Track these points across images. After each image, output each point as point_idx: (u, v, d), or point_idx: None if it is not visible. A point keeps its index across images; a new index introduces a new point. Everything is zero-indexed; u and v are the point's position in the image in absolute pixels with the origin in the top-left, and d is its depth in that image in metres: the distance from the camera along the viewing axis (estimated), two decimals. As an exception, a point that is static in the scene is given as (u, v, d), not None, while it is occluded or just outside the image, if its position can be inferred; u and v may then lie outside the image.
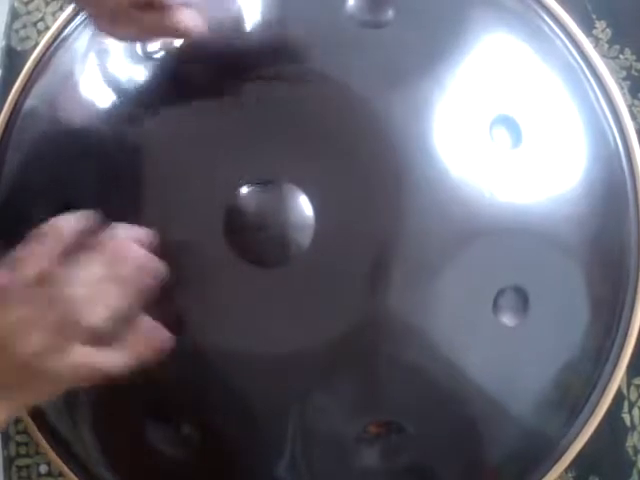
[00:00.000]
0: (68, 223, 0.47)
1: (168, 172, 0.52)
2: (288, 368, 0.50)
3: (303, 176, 0.51)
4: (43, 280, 0.45)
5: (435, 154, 0.51)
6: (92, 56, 0.58)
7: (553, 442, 0.55)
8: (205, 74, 0.54)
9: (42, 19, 0.73)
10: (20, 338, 0.44)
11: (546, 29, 0.59)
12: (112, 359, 0.46)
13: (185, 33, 0.51)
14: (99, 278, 0.46)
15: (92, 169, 0.54)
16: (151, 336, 0.47)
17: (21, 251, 0.46)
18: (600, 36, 0.69)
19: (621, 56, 0.69)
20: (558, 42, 0.59)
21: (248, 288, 0.51)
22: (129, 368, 0.46)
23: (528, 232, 0.53)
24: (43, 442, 0.59)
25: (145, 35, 0.53)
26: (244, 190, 0.51)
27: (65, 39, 0.62)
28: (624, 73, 0.69)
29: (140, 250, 0.47)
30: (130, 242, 0.47)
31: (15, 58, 0.71)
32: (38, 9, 0.73)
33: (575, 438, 0.55)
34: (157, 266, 0.48)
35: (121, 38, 0.54)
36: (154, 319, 0.48)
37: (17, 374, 0.45)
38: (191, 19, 0.50)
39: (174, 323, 0.50)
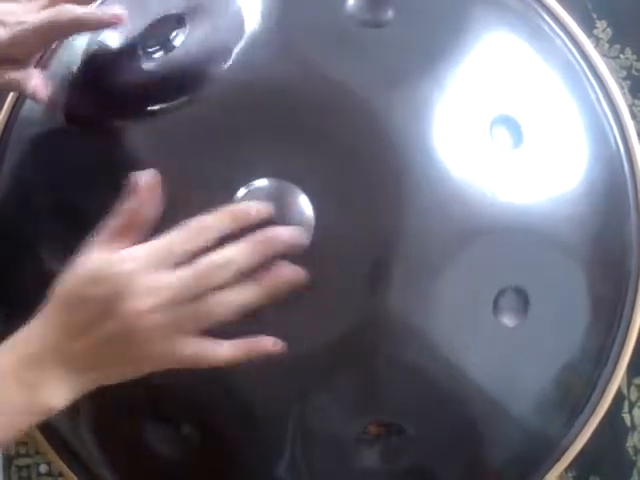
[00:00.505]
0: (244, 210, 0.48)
1: (168, 172, 0.52)
2: (288, 368, 0.50)
3: (303, 176, 0.51)
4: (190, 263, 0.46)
5: (435, 154, 0.51)
6: (92, 56, 0.58)
7: (553, 442, 0.55)
8: (206, 75, 0.54)
9: (42, 18, 0.73)
10: (145, 317, 0.45)
11: (547, 29, 0.59)
12: (220, 354, 0.47)
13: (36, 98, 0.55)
14: (240, 274, 0.46)
15: (92, 169, 0.54)
16: (260, 338, 0.48)
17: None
18: (601, 36, 0.69)
19: (621, 56, 0.69)
20: (558, 42, 0.59)
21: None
22: (232, 364, 0.47)
23: (529, 232, 0.52)
24: (43, 442, 0.59)
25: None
26: (244, 190, 0.51)
27: (65, 39, 0.62)
28: (624, 73, 0.69)
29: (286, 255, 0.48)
30: (282, 245, 0.48)
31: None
32: (38, 8, 0.73)
33: (575, 438, 0.56)
34: (297, 274, 0.48)
35: None
36: None
37: (121, 352, 0.46)
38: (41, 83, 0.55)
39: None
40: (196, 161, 0.52)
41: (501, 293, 0.51)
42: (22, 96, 0.61)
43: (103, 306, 0.45)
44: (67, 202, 0.54)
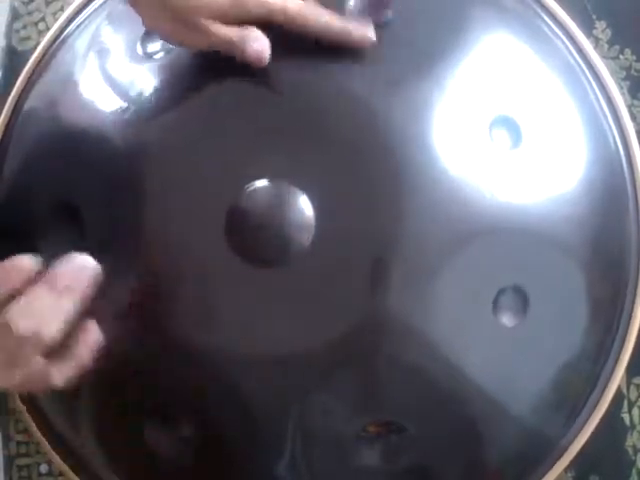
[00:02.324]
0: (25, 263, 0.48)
1: (169, 172, 0.52)
2: (288, 368, 0.50)
3: (303, 176, 0.51)
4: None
5: (435, 154, 0.51)
6: (93, 56, 0.58)
7: (553, 442, 0.55)
8: (206, 75, 0.54)
9: (43, 19, 0.73)
10: None
11: (546, 29, 0.59)
12: (61, 370, 0.47)
13: (254, 61, 0.50)
14: (43, 300, 0.46)
15: (93, 169, 0.54)
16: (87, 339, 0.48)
17: None
18: (600, 36, 0.69)
19: (621, 56, 0.69)
20: (558, 42, 0.59)
21: (248, 288, 0.51)
22: (75, 376, 0.47)
23: (528, 232, 0.53)
24: (43, 442, 0.59)
25: (206, 46, 0.51)
26: (245, 190, 0.51)
27: (66, 39, 0.62)
28: (624, 73, 0.69)
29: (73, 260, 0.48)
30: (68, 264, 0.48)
31: (15, 58, 0.72)
32: (39, 9, 0.73)
33: (575, 438, 0.56)
34: (92, 267, 0.48)
35: (169, 39, 0.53)
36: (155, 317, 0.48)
37: None
38: (262, 48, 0.50)
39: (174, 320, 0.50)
40: (195, 161, 0.52)
41: (500, 293, 0.51)
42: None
43: None
44: (70, 203, 0.54)
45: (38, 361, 0.46)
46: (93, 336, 0.48)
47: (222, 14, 0.49)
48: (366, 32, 0.51)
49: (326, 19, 0.51)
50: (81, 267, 0.48)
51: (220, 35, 0.50)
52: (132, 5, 0.51)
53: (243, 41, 0.50)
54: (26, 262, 0.47)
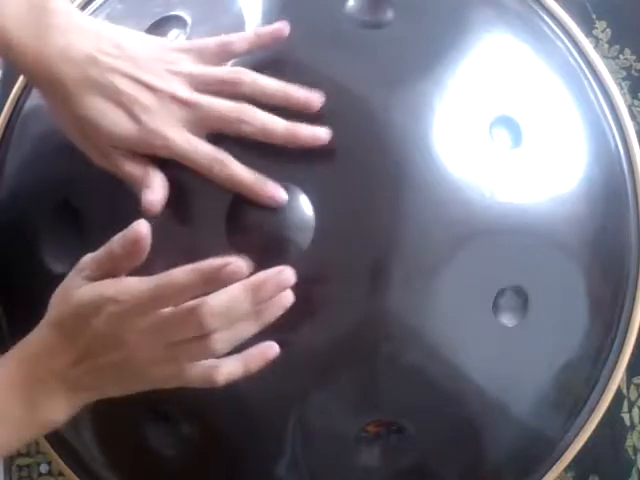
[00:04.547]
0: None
1: (168, 172, 0.52)
2: (288, 368, 0.50)
3: (303, 176, 0.51)
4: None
5: (435, 154, 0.51)
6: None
7: (553, 442, 0.55)
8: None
9: (42, 19, 0.73)
10: (146, 350, 0.46)
11: (546, 29, 0.59)
12: (222, 373, 0.47)
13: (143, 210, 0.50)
14: (238, 309, 0.46)
15: (93, 169, 0.54)
16: (259, 348, 0.48)
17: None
18: (600, 36, 0.69)
19: (621, 56, 0.69)
20: (558, 42, 0.59)
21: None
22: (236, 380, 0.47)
23: (528, 232, 0.53)
24: (43, 441, 0.59)
25: (119, 174, 0.51)
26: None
27: (65, 39, 0.62)
28: (624, 73, 0.69)
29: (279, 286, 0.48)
30: (276, 288, 0.47)
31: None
32: (38, 9, 0.73)
33: (575, 438, 0.56)
34: (288, 299, 0.48)
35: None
36: None
37: (122, 376, 0.47)
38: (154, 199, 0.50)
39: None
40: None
41: (500, 293, 0.51)
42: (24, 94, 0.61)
43: (102, 337, 0.46)
44: (70, 203, 0.54)
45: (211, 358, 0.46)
46: (271, 350, 0.48)
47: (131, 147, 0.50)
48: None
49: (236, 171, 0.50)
50: (285, 284, 0.47)
51: (124, 169, 0.50)
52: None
53: (143, 182, 0.50)
54: (241, 264, 0.46)
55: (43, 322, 0.48)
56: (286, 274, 0.47)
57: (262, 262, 0.50)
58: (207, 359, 0.47)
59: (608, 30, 0.70)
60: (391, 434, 0.52)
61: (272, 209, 0.50)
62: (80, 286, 0.47)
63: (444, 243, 0.50)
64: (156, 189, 0.50)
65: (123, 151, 0.50)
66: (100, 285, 0.47)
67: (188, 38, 0.55)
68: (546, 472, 0.55)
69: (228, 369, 0.47)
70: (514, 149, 0.53)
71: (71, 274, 0.49)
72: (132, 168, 0.50)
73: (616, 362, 0.56)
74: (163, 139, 0.49)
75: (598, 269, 0.55)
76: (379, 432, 0.52)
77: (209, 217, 0.51)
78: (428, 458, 0.53)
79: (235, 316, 0.46)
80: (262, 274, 0.47)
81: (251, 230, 0.51)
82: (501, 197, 0.52)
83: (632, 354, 0.56)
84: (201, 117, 0.49)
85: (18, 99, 0.61)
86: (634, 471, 0.65)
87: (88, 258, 0.48)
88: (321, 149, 0.50)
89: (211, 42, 0.51)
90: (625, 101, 0.60)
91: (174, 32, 0.57)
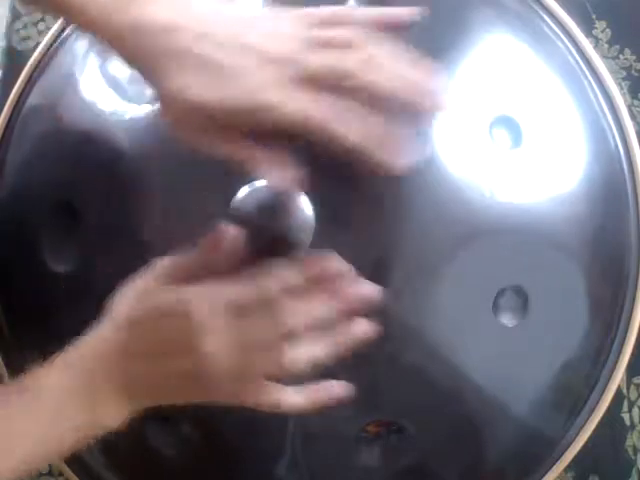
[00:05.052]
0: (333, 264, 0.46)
1: (168, 172, 0.52)
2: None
3: (303, 176, 0.51)
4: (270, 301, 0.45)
5: (435, 154, 0.51)
6: (93, 56, 0.58)
7: (553, 442, 0.55)
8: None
9: (43, 19, 0.73)
10: (218, 360, 0.44)
11: (546, 29, 0.59)
12: (286, 402, 0.46)
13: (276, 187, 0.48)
14: (319, 324, 0.45)
15: (93, 169, 0.54)
16: (327, 385, 0.47)
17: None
18: (600, 36, 0.69)
19: (621, 56, 0.69)
20: (558, 42, 0.59)
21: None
22: (304, 410, 0.46)
23: (528, 232, 0.53)
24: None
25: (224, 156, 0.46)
26: (244, 190, 0.51)
27: (66, 39, 0.62)
28: (624, 73, 0.69)
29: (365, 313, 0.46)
30: (362, 301, 0.46)
31: (15, 58, 0.72)
32: (39, 9, 0.73)
33: (575, 438, 0.55)
34: (371, 330, 0.46)
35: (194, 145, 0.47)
36: None
37: (187, 385, 0.46)
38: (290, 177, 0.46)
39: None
40: (195, 161, 0.52)
41: (500, 293, 0.51)
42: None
43: (177, 342, 0.44)
44: (70, 203, 0.54)
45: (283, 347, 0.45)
46: (338, 389, 0.46)
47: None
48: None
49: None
50: (370, 298, 0.46)
51: (233, 150, 0.45)
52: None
53: (263, 160, 0.45)
54: (339, 265, 0.46)
55: (107, 324, 0.46)
56: (376, 292, 0.46)
57: (262, 262, 0.50)
58: (279, 375, 0.45)
59: (608, 30, 0.70)
60: (391, 434, 0.52)
61: (272, 209, 0.50)
62: (158, 289, 0.46)
63: (444, 243, 0.50)
64: (282, 164, 0.45)
65: (229, 131, 0.45)
66: (184, 290, 0.45)
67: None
68: (546, 472, 0.55)
69: (293, 399, 0.46)
70: (514, 149, 0.53)
71: (143, 276, 0.47)
72: (241, 148, 0.45)
73: (616, 362, 0.56)
74: (266, 100, 0.43)
75: (598, 269, 0.55)
76: (379, 432, 0.52)
77: (209, 217, 0.51)
78: (428, 458, 0.53)
79: (312, 325, 0.45)
80: (352, 286, 0.46)
81: (251, 230, 0.51)
82: (501, 197, 0.52)
83: (632, 354, 0.56)
84: (301, 72, 0.43)
85: (18, 99, 0.61)
86: (634, 471, 0.64)
87: (166, 261, 0.47)
88: (320, 150, 0.50)
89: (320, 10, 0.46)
90: (625, 101, 0.60)
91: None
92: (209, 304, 0.44)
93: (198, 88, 0.43)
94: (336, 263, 0.46)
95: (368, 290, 0.46)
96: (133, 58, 0.44)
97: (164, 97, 0.44)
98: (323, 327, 0.45)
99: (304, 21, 0.45)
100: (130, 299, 0.46)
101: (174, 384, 0.46)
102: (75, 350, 0.46)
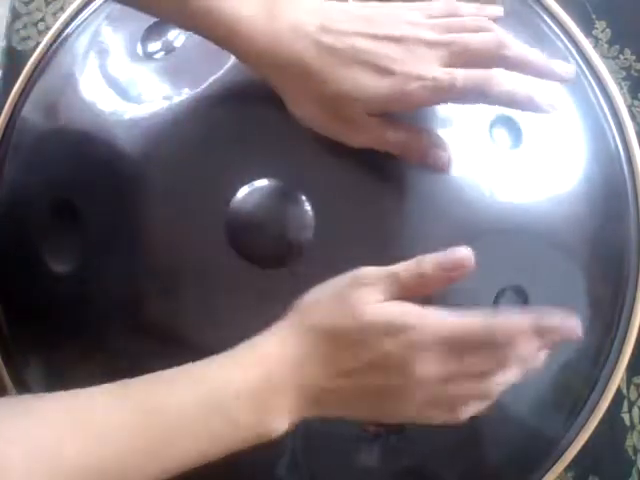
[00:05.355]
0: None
1: (169, 172, 0.52)
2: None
3: (303, 176, 0.51)
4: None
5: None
6: (92, 56, 0.58)
7: (553, 442, 0.55)
8: (206, 74, 0.54)
9: (43, 19, 0.73)
10: (428, 384, 0.44)
11: (546, 29, 0.59)
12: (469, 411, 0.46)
13: (435, 168, 0.49)
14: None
15: (93, 169, 0.54)
16: None
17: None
18: (600, 36, 0.69)
19: (621, 56, 0.69)
20: (558, 42, 0.59)
21: (249, 288, 0.51)
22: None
23: (528, 232, 0.53)
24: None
25: (376, 146, 0.48)
26: (244, 190, 0.51)
27: (66, 39, 0.62)
28: (624, 73, 0.69)
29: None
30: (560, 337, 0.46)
31: (15, 58, 0.72)
32: (39, 9, 0.73)
33: (575, 438, 0.55)
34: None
35: (334, 138, 0.49)
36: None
37: (380, 405, 0.45)
38: (442, 158, 0.49)
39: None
40: (195, 161, 0.52)
41: (500, 293, 0.51)
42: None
43: (391, 361, 0.44)
44: (70, 203, 0.54)
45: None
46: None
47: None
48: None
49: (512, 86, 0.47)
50: (571, 337, 0.46)
51: (390, 137, 0.48)
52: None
53: (427, 150, 0.48)
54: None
55: (299, 329, 0.45)
56: (574, 326, 0.46)
57: (262, 262, 0.50)
58: (475, 405, 0.45)
59: (608, 30, 0.70)
60: (391, 434, 0.52)
61: (272, 209, 0.50)
62: (371, 301, 0.44)
63: (444, 243, 0.50)
64: (440, 146, 0.48)
65: (381, 119, 0.47)
66: (405, 312, 0.44)
67: (188, 38, 0.55)
68: (546, 472, 0.55)
69: (474, 407, 0.46)
70: (514, 149, 0.53)
71: (349, 283, 0.45)
72: (397, 134, 0.47)
73: (616, 362, 0.56)
74: (419, 78, 0.45)
75: (598, 269, 0.55)
76: (379, 432, 0.52)
77: (209, 216, 0.51)
78: (428, 458, 0.53)
79: (521, 356, 0.45)
80: (556, 320, 0.46)
81: (251, 230, 0.51)
82: (501, 197, 0.52)
83: (632, 354, 0.56)
84: (456, 52, 0.46)
85: (18, 99, 0.62)
86: (634, 471, 0.64)
87: (380, 272, 0.45)
88: (321, 150, 0.50)
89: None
90: (625, 101, 0.60)
91: (174, 32, 0.57)
92: (432, 333, 0.44)
93: (362, 81, 0.45)
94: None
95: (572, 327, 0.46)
96: (288, 62, 0.46)
97: (324, 96, 0.46)
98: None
99: (424, 13, 0.48)
100: (331, 307, 0.45)
101: (366, 398, 0.45)
102: (256, 351, 0.45)
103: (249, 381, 0.43)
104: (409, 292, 0.45)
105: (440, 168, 0.49)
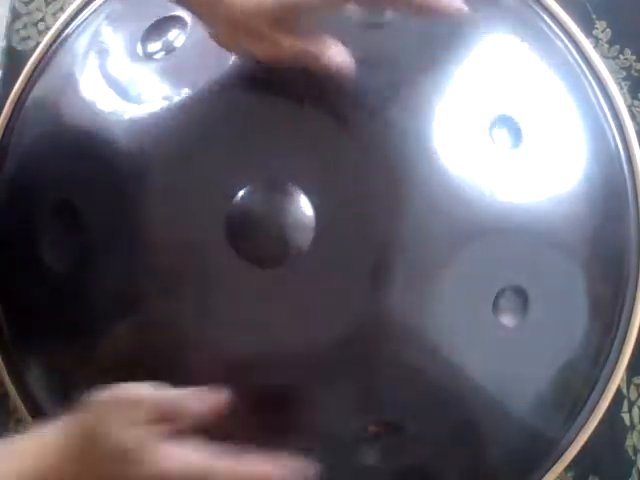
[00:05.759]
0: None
1: (168, 172, 0.52)
2: (288, 368, 0.50)
3: (303, 176, 0.51)
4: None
5: (435, 154, 0.51)
6: (92, 56, 0.58)
7: (553, 442, 0.55)
8: (206, 75, 0.54)
9: (43, 19, 0.73)
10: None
11: (546, 29, 0.59)
12: None
13: (333, 70, 0.49)
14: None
15: (92, 169, 0.54)
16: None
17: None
18: (600, 36, 0.70)
19: (621, 56, 0.69)
20: (558, 42, 0.59)
21: (249, 288, 0.51)
22: None
23: (528, 232, 0.53)
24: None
25: (277, 57, 0.49)
26: (245, 191, 0.51)
27: (66, 39, 0.62)
28: (624, 73, 0.69)
29: None
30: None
31: (15, 58, 0.72)
32: (39, 9, 0.73)
33: (575, 438, 0.55)
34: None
35: (243, 54, 0.51)
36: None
37: None
38: (340, 55, 0.49)
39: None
40: (195, 161, 0.52)
41: (501, 293, 0.51)
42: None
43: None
44: (70, 203, 0.54)
45: None
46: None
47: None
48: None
49: None
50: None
51: (295, 48, 0.49)
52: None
53: (322, 53, 0.49)
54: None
55: (63, 429, 0.46)
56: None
57: (262, 262, 0.50)
58: None
59: (608, 30, 0.70)
60: (391, 434, 0.52)
61: (272, 209, 0.50)
62: (126, 426, 0.44)
63: (444, 243, 0.50)
64: (342, 52, 0.49)
65: (284, 31, 0.48)
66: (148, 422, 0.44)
67: (188, 38, 0.55)
68: (546, 472, 0.55)
69: None
70: (514, 149, 0.53)
71: (115, 403, 0.45)
72: (295, 42, 0.49)
73: (616, 362, 0.56)
74: None
75: (598, 269, 0.55)
76: (379, 432, 0.52)
77: (209, 217, 0.51)
78: (428, 458, 0.53)
79: None
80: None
81: (251, 230, 0.51)
82: (501, 197, 0.52)
83: (632, 354, 0.56)
84: None
85: (18, 99, 0.62)
86: (634, 471, 0.64)
87: (145, 397, 0.46)
88: (321, 150, 0.50)
89: None
90: (625, 101, 0.60)
91: (174, 32, 0.57)
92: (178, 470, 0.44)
93: None
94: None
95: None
96: None
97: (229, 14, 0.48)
98: None
99: None
100: (94, 418, 0.45)
101: None
102: (34, 448, 0.46)
103: (23, 472, 0.45)
104: (166, 417, 0.45)
105: (336, 69, 0.49)
